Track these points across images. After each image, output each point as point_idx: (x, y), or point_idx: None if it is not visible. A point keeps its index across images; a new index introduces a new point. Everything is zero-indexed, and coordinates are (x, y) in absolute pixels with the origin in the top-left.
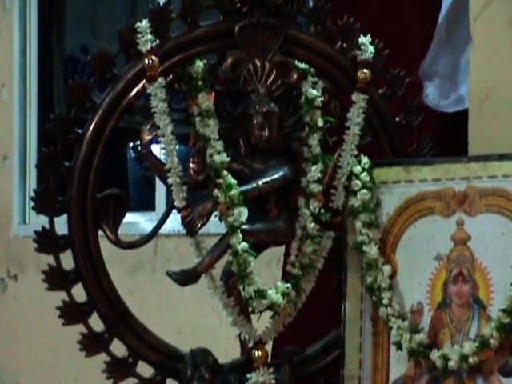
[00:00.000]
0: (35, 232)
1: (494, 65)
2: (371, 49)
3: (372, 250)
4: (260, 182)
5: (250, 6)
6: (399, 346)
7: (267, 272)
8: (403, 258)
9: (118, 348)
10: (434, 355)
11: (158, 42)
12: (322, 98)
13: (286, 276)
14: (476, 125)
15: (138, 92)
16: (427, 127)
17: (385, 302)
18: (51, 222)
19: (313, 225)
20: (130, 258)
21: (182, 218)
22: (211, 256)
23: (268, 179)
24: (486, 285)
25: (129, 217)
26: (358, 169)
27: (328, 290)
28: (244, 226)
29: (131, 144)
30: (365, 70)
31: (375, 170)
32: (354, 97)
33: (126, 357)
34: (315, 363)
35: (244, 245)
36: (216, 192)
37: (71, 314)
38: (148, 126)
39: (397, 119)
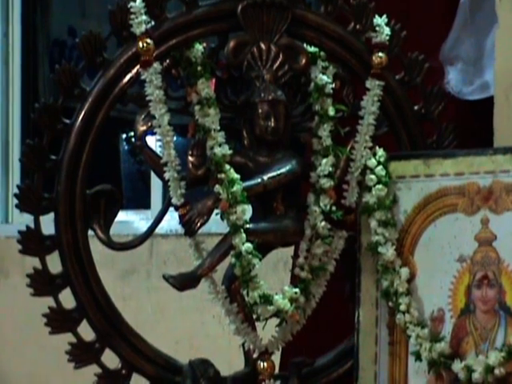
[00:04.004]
0: (19, 232)
1: None
2: (387, 30)
3: (388, 252)
4: (265, 177)
5: None
6: (418, 357)
7: (273, 275)
8: (422, 259)
9: (110, 359)
10: (457, 366)
11: (153, 23)
12: (333, 85)
13: (294, 280)
14: (502, 113)
15: (131, 78)
16: (449, 116)
17: (402, 308)
18: (36, 221)
19: (323, 224)
20: (123, 260)
21: (179, 217)
22: (212, 258)
23: (274, 174)
24: None
25: (122, 215)
26: (372, 162)
27: (340, 295)
28: (248, 226)
29: (124, 135)
30: (380, 54)
31: (392, 163)
32: (369, 83)
33: (119, 369)
34: (326, 375)
35: (248, 246)
36: (217, 188)
37: (59, 321)
38: (142, 116)
39: (415, 108)
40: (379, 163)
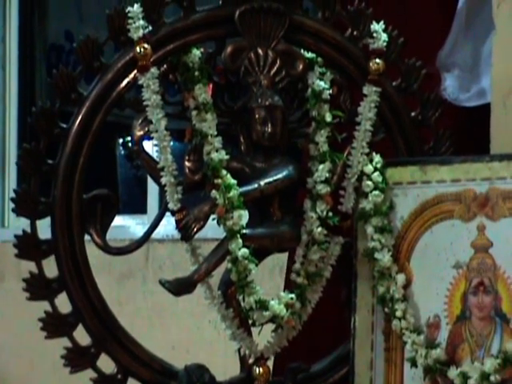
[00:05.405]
0: (15, 236)
1: None
2: (384, 37)
3: (384, 258)
4: (262, 183)
5: None
6: (414, 363)
7: (269, 281)
8: (419, 266)
9: (106, 364)
10: (453, 373)
11: (150, 28)
12: (331, 91)
13: (289, 285)
14: (499, 120)
15: (128, 83)
16: (445, 123)
17: (398, 314)
18: (33, 226)
19: (320, 229)
20: (119, 265)
21: (176, 222)
22: (208, 263)
23: (271, 179)
24: (509, 296)
25: (118, 220)
26: (369, 168)
27: (336, 301)
28: (244, 231)
29: (121, 140)
30: (377, 60)
31: (388, 169)
32: (366, 89)
33: (115, 373)
34: (322, 381)
35: (244, 251)
36: (214, 193)
37: (55, 326)
38: (139, 121)
39: (412, 114)
40: (376, 169)
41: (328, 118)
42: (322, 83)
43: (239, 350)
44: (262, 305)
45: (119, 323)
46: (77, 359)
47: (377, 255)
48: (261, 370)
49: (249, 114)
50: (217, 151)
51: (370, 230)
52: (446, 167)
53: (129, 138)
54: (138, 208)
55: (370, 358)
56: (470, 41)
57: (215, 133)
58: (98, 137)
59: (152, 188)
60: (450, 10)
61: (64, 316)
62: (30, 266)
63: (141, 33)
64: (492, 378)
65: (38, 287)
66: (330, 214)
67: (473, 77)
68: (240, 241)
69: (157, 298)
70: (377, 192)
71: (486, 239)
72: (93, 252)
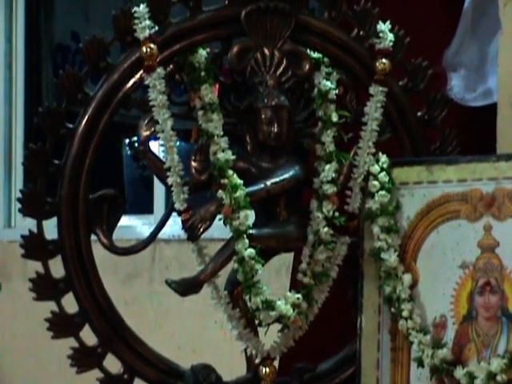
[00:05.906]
0: (22, 236)
1: None
2: (391, 37)
3: (391, 258)
4: (268, 183)
5: None
6: (420, 363)
7: (276, 281)
8: (425, 266)
9: (113, 364)
10: (459, 373)
11: (156, 28)
12: (337, 91)
13: (295, 285)
14: (505, 120)
15: (134, 83)
16: (452, 123)
17: (405, 314)
18: (39, 226)
19: (326, 229)
20: (125, 265)
21: (182, 222)
22: (214, 263)
23: (277, 179)
24: None
25: (124, 220)
26: (375, 168)
27: (343, 301)
28: (251, 231)
29: (127, 140)
30: (383, 60)
31: (395, 169)
32: (372, 89)
33: (121, 373)
34: (328, 381)
35: (251, 251)
36: (220, 193)
37: (61, 326)
38: (146, 121)
39: (418, 114)
40: (382, 169)
41: (334, 117)
42: (328, 83)
43: (245, 350)
44: (269, 305)
45: (125, 323)
46: (83, 359)
47: (383, 255)
48: (267, 370)
49: (255, 114)
50: (223, 151)
51: (376, 230)
52: (452, 167)
53: (135, 138)
54: (145, 208)
55: (376, 358)
56: (477, 41)
57: (221, 133)
58: (105, 137)
59: (158, 188)
60: (456, 10)
61: (70, 316)
62: (36, 266)
63: (147, 33)
64: (498, 378)
65: (44, 287)
66: (337, 214)
67: (479, 77)
68: (246, 241)
69: (163, 298)
70: (383, 192)
71: (493, 239)
72: (99, 252)
